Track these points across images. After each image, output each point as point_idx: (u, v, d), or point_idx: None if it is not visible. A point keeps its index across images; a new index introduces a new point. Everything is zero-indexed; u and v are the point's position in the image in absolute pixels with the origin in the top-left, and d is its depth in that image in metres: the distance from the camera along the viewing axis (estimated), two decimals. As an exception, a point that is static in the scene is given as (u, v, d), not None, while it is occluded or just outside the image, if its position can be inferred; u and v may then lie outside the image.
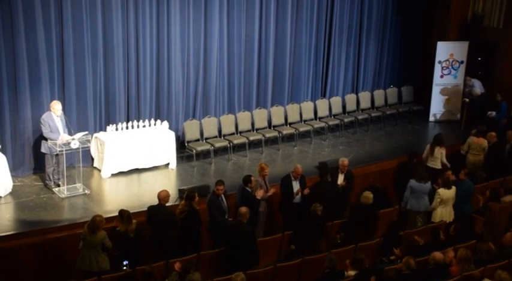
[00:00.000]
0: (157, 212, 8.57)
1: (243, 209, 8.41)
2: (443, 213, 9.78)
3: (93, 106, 11.11)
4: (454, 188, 9.84)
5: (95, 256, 7.96)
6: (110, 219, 8.59)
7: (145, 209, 8.84)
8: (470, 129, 12.42)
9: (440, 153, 11.20)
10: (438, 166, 11.17)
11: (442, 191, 9.73)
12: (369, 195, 9.34)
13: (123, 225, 8.17)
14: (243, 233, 8.23)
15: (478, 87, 13.98)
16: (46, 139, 9.92)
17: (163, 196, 8.64)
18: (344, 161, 10.28)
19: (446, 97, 14.70)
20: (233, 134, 12.34)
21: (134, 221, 8.28)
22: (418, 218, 10.05)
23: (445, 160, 11.18)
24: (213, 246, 8.94)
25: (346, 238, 9.20)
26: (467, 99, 13.93)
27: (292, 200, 9.79)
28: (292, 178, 9.81)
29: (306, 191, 9.76)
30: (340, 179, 10.21)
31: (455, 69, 14.62)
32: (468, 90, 14.11)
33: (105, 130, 11.05)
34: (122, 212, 8.29)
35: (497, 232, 9.25)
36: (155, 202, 8.72)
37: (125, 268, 7.56)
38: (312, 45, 13.77)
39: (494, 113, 13.20)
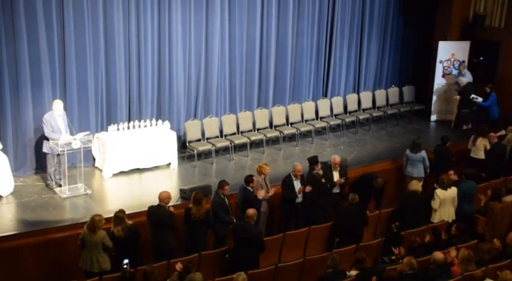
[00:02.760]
0: (156, 213, 8.55)
1: (251, 211, 8.37)
2: (442, 213, 9.73)
3: (94, 106, 11.11)
4: (454, 188, 9.79)
5: (96, 256, 7.94)
6: (110, 219, 8.56)
7: (146, 209, 8.81)
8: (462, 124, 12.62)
9: (483, 144, 11.50)
10: (480, 156, 11.56)
11: (439, 191, 9.68)
12: (417, 182, 9.80)
13: (113, 226, 8.15)
14: (250, 235, 8.19)
15: (467, 77, 14.02)
16: (48, 139, 9.93)
17: (163, 197, 8.60)
18: (335, 158, 10.25)
19: (448, 97, 14.69)
20: (234, 134, 12.33)
21: (130, 222, 8.19)
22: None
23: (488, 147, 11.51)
24: (214, 246, 8.94)
25: (401, 227, 9.15)
26: (458, 97, 13.94)
27: (295, 200, 9.76)
28: (293, 178, 9.75)
29: (308, 188, 9.73)
30: (336, 176, 10.17)
31: (456, 69, 14.61)
32: (456, 80, 14.15)
33: (106, 130, 11.06)
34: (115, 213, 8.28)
35: (499, 231, 9.24)
36: (156, 202, 8.69)
37: (125, 266, 7.54)
38: (313, 45, 13.77)
39: (480, 98, 13.37)
